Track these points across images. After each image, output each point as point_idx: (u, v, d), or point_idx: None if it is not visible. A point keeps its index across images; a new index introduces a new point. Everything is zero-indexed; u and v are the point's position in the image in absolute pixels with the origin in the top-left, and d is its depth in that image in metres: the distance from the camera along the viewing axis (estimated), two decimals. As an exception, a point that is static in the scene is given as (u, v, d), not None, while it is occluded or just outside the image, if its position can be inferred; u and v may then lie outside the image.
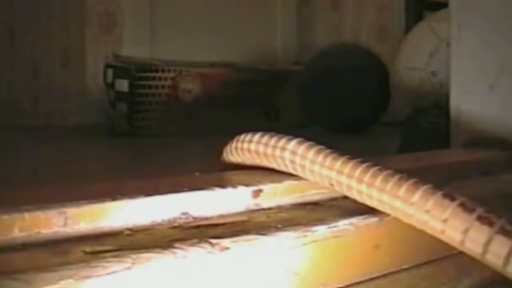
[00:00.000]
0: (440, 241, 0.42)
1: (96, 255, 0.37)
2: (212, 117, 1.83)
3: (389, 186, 0.44)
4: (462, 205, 0.41)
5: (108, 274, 0.34)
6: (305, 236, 0.44)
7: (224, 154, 0.60)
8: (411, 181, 0.44)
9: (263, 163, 0.55)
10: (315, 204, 0.53)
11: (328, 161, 0.48)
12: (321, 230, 0.45)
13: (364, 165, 0.47)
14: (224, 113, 1.86)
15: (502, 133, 0.88)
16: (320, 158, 0.49)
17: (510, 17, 0.89)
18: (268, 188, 0.52)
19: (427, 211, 0.42)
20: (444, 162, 0.76)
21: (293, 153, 0.51)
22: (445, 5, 1.06)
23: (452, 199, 0.41)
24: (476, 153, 0.83)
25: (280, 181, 0.53)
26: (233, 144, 0.57)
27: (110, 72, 1.77)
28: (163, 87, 1.77)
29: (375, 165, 0.46)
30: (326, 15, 2.59)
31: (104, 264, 0.34)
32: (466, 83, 0.92)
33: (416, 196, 0.43)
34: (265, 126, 0.59)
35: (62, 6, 2.30)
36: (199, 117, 1.82)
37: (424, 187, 0.43)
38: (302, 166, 0.51)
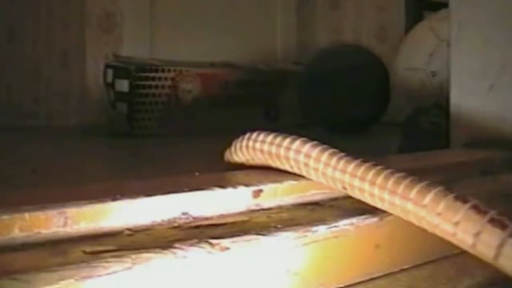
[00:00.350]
0: (440, 241, 0.42)
1: (96, 255, 0.37)
2: (212, 117, 1.83)
3: (401, 188, 0.44)
4: (475, 208, 0.40)
5: (108, 274, 0.34)
6: (305, 236, 0.44)
7: (232, 151, 0.59)
8: (423, 184, 0.43)
9: (275, 164, 0.54)
10: (315, 204, 0.53)
11: (341, 164, 0.48)
12: (321, 230, 0.45)
13: (377, 168, 0.46)
14: (224, 113, 1.86)
15: (502, 133, 0.88)
16: (333, 161, 0.49)
17: (510, 16, 0.89)
18: (268, 188, 0.52)
19: (438, 214, 0.41)
20: (444, 162, 0.76)
21: (307, 156, 0.51)
22: (445, 5, 1.06)
23: (464, 201, 0.41)
24: (476, 153, 0.83)
25: (280, 181, 0.53)
26: (244, 142, 0.57)
27: (110, 72, 1.77)
28: (163, 87, 1.77)
29: (388, 167, 0.46)
30: (326, 15, 2.59)
31: (104, 264, 0.34)
32: (466, 83, 0.92)
33: (428, 199, 0.42)
34: (265, 126, 0.59)
35: (62, 6, 2.30)
36: (199, 117, 1.82)
37: (436, 190, 0.42)
38: (316, 169, 0.50)
